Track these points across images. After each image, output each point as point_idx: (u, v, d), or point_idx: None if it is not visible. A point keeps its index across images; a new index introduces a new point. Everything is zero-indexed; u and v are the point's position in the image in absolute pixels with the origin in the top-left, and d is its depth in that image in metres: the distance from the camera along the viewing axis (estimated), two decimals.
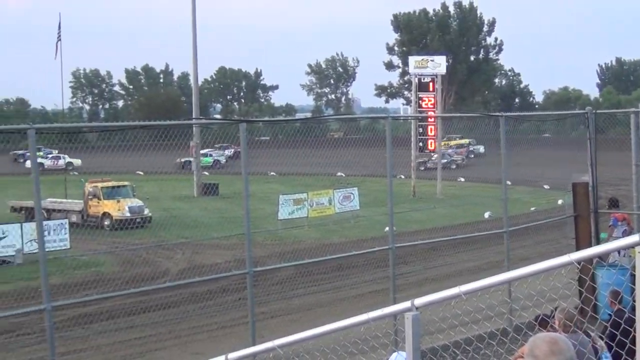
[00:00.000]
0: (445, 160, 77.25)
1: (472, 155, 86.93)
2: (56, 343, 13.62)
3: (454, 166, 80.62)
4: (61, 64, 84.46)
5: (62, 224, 38.59)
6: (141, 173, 70.67)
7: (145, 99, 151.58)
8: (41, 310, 13.23)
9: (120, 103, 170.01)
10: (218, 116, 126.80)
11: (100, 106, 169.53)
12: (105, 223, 48.31)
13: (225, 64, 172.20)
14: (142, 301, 25.43)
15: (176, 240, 40.40)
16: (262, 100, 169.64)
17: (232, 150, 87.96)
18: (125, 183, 52.17)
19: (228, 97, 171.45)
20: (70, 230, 38.77)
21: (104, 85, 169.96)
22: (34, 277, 29.33)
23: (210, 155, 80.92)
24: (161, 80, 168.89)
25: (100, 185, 49.89)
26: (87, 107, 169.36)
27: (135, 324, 23.68)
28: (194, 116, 67.18)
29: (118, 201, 48.83)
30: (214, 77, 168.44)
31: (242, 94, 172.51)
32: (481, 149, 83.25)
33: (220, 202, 56.44)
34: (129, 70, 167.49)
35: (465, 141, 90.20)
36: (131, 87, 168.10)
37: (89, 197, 49.54)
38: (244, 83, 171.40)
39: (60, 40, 74.79)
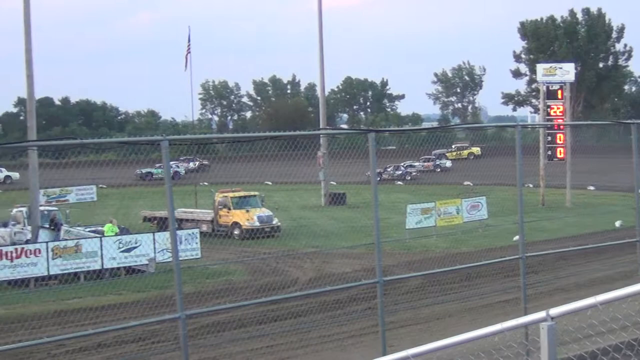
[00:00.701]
0: (400, 172, 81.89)
1: (439, 169, 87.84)
2: (189, 351, 13.86)
3: (408, 177, 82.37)
4: (191, 76, 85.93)
5: (193, 233, 39.30)
6: (270, 183, 71.45)
7: (272, 109, 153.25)
8: (175, 318, 13.45)
9: (249, 114, 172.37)
10: (345, 126, 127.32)
11: (229, 117, 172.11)
12: (235, 232, 48.96)
13: (352, 74, 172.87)
14: (272, 310, 25.68)
15: (305, 249, 40.71)
16: (388, 109, 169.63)
17: (197, 162, 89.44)
18: (255, 193, 52.81)
19: (354, 106, 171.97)
20: (201, 239, 39.48)
21: (232, 96, 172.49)
22: (167, 286, 29.97)
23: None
24: (288, 91, 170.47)
25: (230, 195, 50.60)
26: (216, 118, 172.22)
27: (265, 332, 23.91)
28: (320, 126, 67.48)
29: (247, 211, 49.41)
30: (340, 87, 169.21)
31: (368, 103, 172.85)
32: (447, 163, 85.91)
33: (347, 211, 56.63)
34: (257, 82, 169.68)
35: (476, 150, 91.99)
36: (259, 98, 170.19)
37: (219, 207, 50.28)
38: (370, 93, 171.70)
39: (189, 52, 76.05)
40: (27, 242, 40.03)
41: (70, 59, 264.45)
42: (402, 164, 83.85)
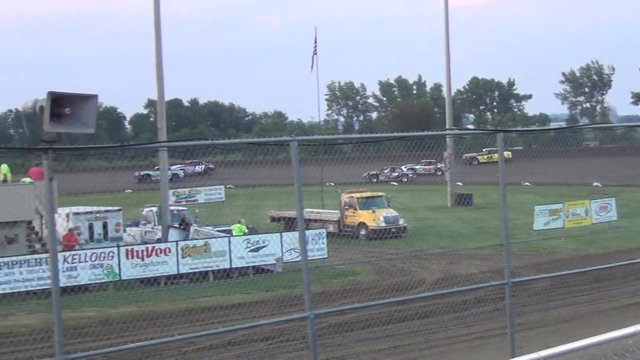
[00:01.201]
0: (397, 174, 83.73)
1: (440, 173, 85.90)
2: (317, 350, 13.97)
3: (405, 179, 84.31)
4: (317, 77, 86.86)
5: (320, 233, 39.60)
6: (395, 184, 71.42)
7: (398, 110, 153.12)
8: (304, 317, 13.57)
9: (374, 115, 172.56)
10: (471, 126, 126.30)
11: (355, 118, 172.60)
12: (361, 233, 49.08)
13: (478, 74, 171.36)
14: (399, 310, 25.66)
15: (431, 250, 40.57)
16: (515, 109, 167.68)
17: (203, 166, 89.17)
18: (381, 194, 52.87)
19: (480, 107, 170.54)
20: (328, 239, 39.74)
21: (358, 97, 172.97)
22: (294, 285, 30.23)
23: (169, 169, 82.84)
24: (414, 92, 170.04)
25: (356, 195, 50.77)
26: (341, 119, 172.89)
27: (392, 332, 23.93)
28: (447, 127, 67.15)
29: (373, 211, 49.47)
30: (466, 87, 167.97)
31: (494, 103, 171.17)
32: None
33: (474, 212, 56.24)
34: (383, 82, 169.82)
35: (506, 154, 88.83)
36: (385, 98, 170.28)
37: (345, 207, 50.48)
38: (496, 93, 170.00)
39: (316, 54, 76.81)
40: (157, 241, 40.91)
41: (199, 60, 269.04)
42: (401, 166, 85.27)
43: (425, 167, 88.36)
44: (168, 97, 44.88)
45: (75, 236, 39.09)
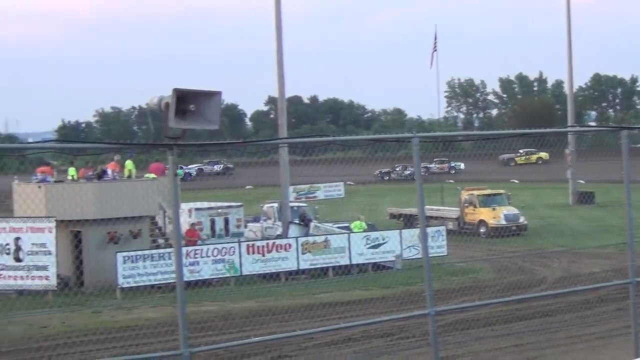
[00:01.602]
0: (409, 172, 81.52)
1: (454, 171, 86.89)
2: (438, 347, 13.93)
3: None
4: (437, 74, 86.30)
5: (439, 231, 39.47)
6: (516, 181, 70.65)
7: (519, 107, 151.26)
8: (424, 315, 13.56)
9: (494, 112, 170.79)
10: (592, 124, 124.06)
11: (474, 115, 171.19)
12: (481, 230, 48.73)
13: (600, 71, 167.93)
14: (519, 309, 25.40)
15: (552, 248, 40.03)
16: (639, 106, 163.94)
17: (222, 165, 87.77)
18: (501, 191, 52.44)
19: (603, 104, 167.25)
20: (447, 237, 39.57)
21: (478, 94, 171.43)
22: (413, 282, 30.21)
23: (181, 168, 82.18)
24: (535, 89, 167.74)
25: (476, 193, 50.43)
26: (461, 116, 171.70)
27: (512, 331, 23.70)
28: (568, 124, 66.06)
29: (494, 209, 49.06)
30: (588, 84, 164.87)
31: (617, 100, 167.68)
32: (462, 165, 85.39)
33: (596, 210, 55.25)
34: (503, 79, 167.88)
35: (544, 155, 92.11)
36: (505, 95, 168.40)
37: (465, 204, 50.18)
38: (619, 90, 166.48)
39: (436, 50, 76.39)
40: (277, 237, 41.30)
41: (319, 57, 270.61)
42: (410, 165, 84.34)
43: (439, 165, 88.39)
44: (288, 94, 45.31)
45: (197, 231, 39.74)
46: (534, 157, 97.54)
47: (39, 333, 25.54)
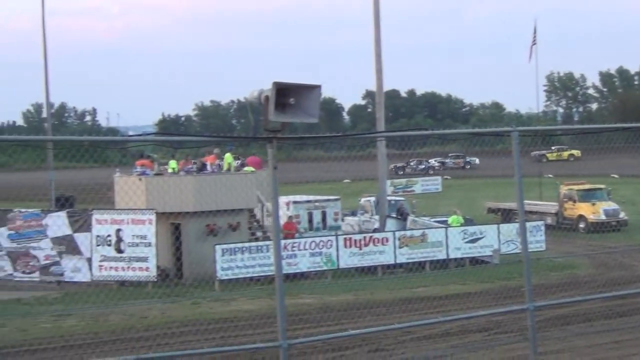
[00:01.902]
0: (423, 167, 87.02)
1: (469, 166, 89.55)
2: (536, 342, 13.81)
3: (431, 172, 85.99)
4: (536, 67, 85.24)
5: (537, 226, 39.05)
6: (616, 176, 69.46)
7: (619, 101, 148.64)
8: (522, 310, 13.45)
9: (594, 106, 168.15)
10: None
11: (574, 109, 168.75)
12: (580, 225, 48.08)
13: None
14: (619, 305, 24.99)
15: None
16: None
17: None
18: (601, 186, 51.64)
19: None
20: (545, 232, 39.14)
21: (578, 88, 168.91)
22: (510, 277, 29.96)
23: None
24: (635, 82, 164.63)
25: (575, 188, 49.78)
26: (560, 110, 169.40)
27: (612, 327, 23.32)
28: None
29: (593, 204, 48.38)
30: None
31: None
32: (477, 160, 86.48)
33: None
34: (603, 73, 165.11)
35: (576, 152, 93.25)
36: (605, 89, 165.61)
37: (564, 199, 49.57)
38: None
39: (535, 44, 75.33)
40: (374, 230, 41.33)
41: (416, 51, 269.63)
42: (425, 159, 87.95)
43: (455, 160, 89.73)
44: (386, 87, 45.25)
45: (295, 224, 39.99)
46: (565, 154, 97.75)
47: (139, 323, 25.97)
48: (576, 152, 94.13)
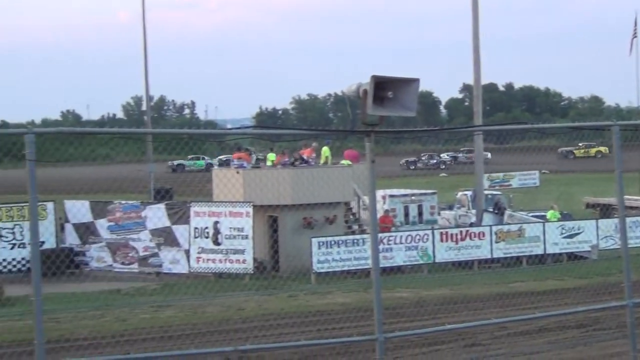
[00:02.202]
0: (435, 161, 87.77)
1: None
2: (636, 339, 13.62)
3: (442, 166, 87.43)
4: (637, 60, 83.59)
5: (637, 221, 38.36)
6: None
7: None
8: (622, 306, 13.26)
9: None
10: None
11: None
12: None
13: None
14: None
15: None
16: None
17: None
18: None
19: None
20: None
21: None
22: (610, 273, 29.48)
23: (203, 159, 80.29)
24: None
25: None
26: None
27: None
28: None
29: None
30: None
31: None
32: (488, 155, 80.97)
33: None
34: None
35: (604, 149, 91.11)
36: None
37: None
38: None
39: (636, 37, 74.05)
40: (471, 225, 41.08)
41: (514, 44, 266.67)
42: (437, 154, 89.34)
43: (468, 154, 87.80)
44: (483, 81, 44.91)
45: (391, 218, 39.96)
46: (593, 151, 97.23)
47: (236, 315, 26.22)
48: (604, 149, 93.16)
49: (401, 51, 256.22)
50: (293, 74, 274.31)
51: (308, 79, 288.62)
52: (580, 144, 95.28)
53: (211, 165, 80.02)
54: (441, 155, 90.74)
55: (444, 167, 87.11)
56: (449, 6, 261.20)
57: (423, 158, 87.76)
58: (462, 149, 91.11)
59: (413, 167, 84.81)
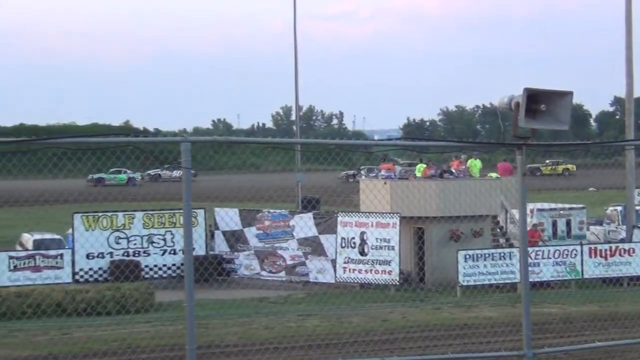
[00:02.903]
0: (374, 174, 72.99)
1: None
2: None
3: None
4: None
5: None
6: None
7: None
8: None
9: None
10: None
11: None
12: None
13: None
14: None
15: None
16: None
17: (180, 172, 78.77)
18: None
19: None
20: None
21: None
22: None
23: (125, 172, 76.81)
24: None
25: None
26: None
27: None
28: None
29: None
30: None
31: None
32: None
33: None
34: None
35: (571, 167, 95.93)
36: None
37: None
38: None
39: None
40: (621, 241, 40.17)
41: None
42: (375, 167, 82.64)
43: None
44: (636, 94, 43.82)
45: (539, 232, 39.42)
46: (560, 168, 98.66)
47: (379, 326, 26.25)
48: (571, 167, 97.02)
49: (550, 62, 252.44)
50: (441, 85, 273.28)
51: (456, 90, 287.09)
52: (547, 161, 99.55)
53: (133, 179, 79.91)
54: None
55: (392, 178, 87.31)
56: (600, 17, 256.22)
57: (362, 171, 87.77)
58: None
59: (352, 180, 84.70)
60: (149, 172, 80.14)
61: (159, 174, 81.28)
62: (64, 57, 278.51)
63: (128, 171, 76.89)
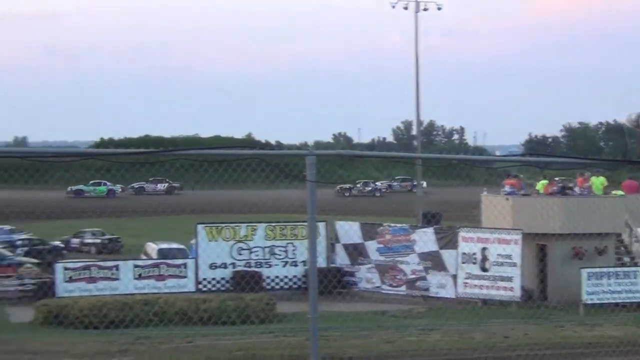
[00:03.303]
0: (370, 189, 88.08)
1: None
2: None
3: (378, 194, 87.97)
4: None
5: None
6: None
7: None
8: None
9: None
10: None
11: None
12: None
13: None
14: None
15: None
16: None
17: (166, 184, 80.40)
18: None
19: None
20: None
21: None
22: None
23: (105, 184, 75.56)
24: None
25: None
26: None
27: None
28: None
29: None
30: None
31: None
32: (424, 184, 75.20)
33: None
34: None
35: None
36: None
37: None
38: None
39: None
40: None
41: None
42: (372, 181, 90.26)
43: (402, 184, 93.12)
44: None
45: None
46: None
47: (501, 342, 26.11)
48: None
49: None
50: (565, 101, 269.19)
51: (580, 107, 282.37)
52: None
53: (113, 191, 79.43)
54: (376, 183, 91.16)
55: (379, 194, 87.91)
56: None
57: (358, 185, 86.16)
58: (397, 178, 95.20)
59: (347, 194, 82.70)
60: (132, 185, 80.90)
61: (143, 187, 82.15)
62: (191, 73, 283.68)
63: (108, 183, 77.45)
